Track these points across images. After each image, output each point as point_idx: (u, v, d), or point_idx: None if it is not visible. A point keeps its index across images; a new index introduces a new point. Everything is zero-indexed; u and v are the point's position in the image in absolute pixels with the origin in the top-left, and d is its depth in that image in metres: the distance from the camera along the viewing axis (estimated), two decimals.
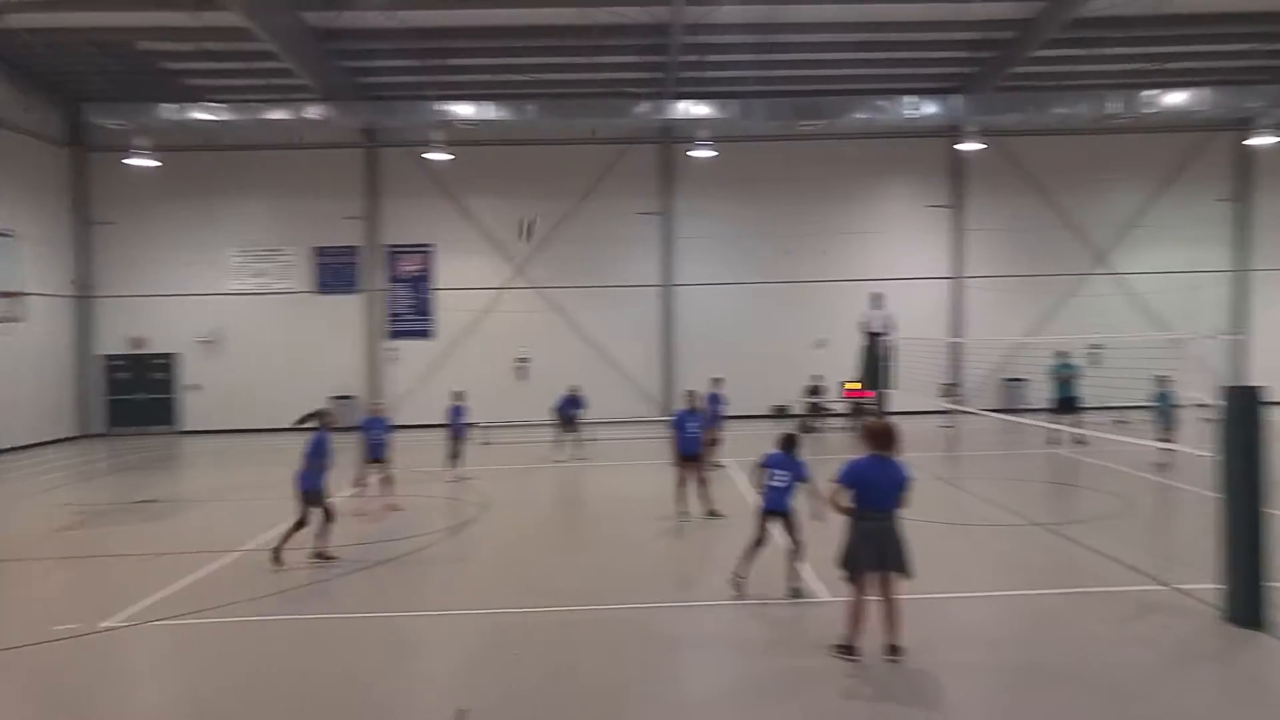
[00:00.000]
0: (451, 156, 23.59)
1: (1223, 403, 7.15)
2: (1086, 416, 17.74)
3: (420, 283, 25.48)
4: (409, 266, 25.44)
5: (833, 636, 6.70)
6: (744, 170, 24.97)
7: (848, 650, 6.53)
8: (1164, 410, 14.87)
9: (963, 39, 21.21)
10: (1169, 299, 24.74)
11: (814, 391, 22.32)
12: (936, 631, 7.12)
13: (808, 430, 19.36)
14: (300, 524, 9.67)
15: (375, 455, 12.91)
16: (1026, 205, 25.23)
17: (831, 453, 15.61)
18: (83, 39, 19.80)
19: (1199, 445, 8.15)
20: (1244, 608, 7.01)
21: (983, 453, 18.82)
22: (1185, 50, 21.68)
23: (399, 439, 14.78)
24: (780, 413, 23.65)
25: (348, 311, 25.30)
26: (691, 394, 13.13)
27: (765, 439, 9.05)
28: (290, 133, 23.46)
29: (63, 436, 23.58)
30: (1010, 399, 23.57)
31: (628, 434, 21.28)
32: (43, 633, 7.54)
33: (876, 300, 20.13)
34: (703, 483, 12.00)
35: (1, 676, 6.90)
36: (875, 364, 19.52)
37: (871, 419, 10.95)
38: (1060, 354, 18.62)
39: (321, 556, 9.75)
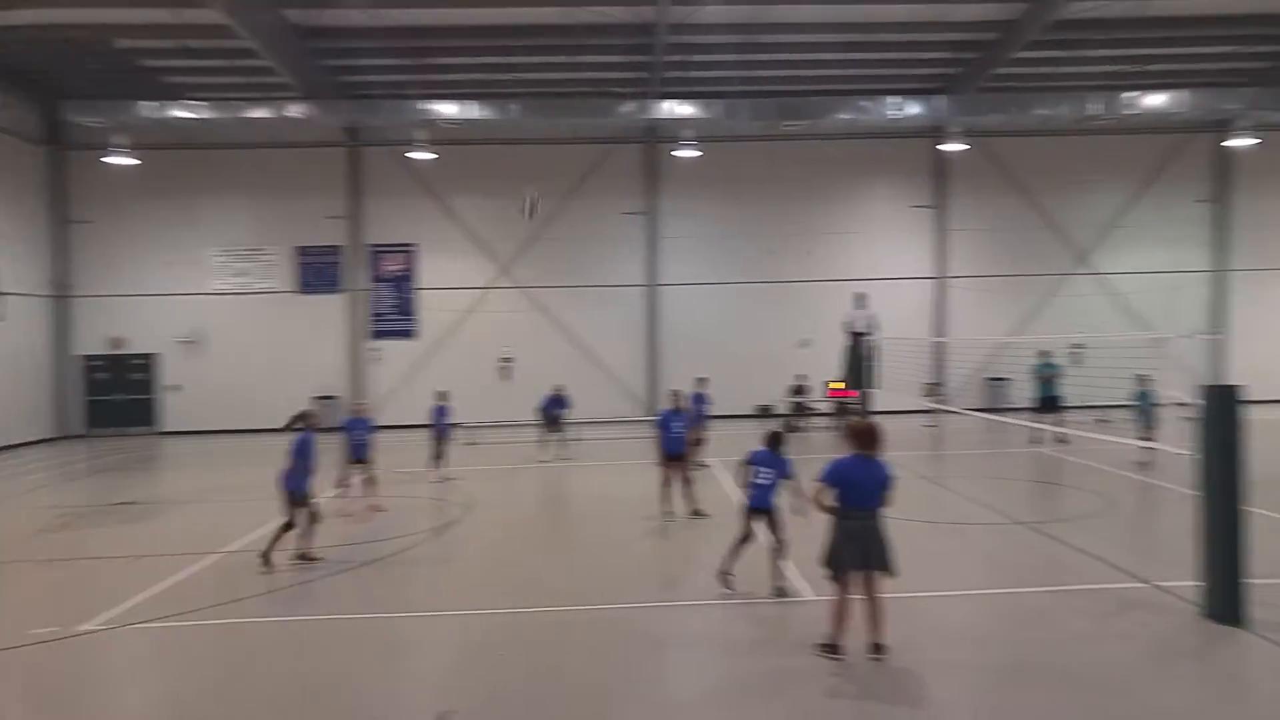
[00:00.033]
0: (435, 156, 23.49)
1: (1202, 402, 7.22)
2: (1068, 415, 17.87)
3: (403, 282, 25.36)
4: (392, 266, 25.32)
5: (817, 635, 6.72)
6: (728, 170, 25.00)
7: (832, 649, 6.54)
8: (1145, 409, 14.99)
9: (946, 40, 21.33)
10: (1149, 299, 24.97)
11: (798, 391, 22.39)
12: (920, 630, 7.15)
13: (792, 430, 19.39)
14: (288, 525, 9.60)
15: (358, 456, 12.84)
16: (1009, 205, 25.40)
17: (815, 452, 15.65)
18: (60, 35, 19.53)
19: (1179, 444, 8.21)
20: (1222, 604, 7.08)
21: (966, 452, 18.94)
22: (1165, 53, 21.89)
23: (382, 439, 14.72)
24: (765, 412, 23.69)
25: (330, 311, 25.15)
26: (676, 394, 13.14)
27: (750, 439, 9.06)
28: (272, 131, 23.29)
29: (40, 438, 23.30)
30: (993, 398, 23.70)
31: (612, 434, 21.27)
32: (19, 636, 7.44)
33: (860, 300, 20.21)
34: (687, 482, 12.01)
35: None
36: (859, 364, 19.59)
37: (855, 418, 10.99)
38: (1042, 353, 18.75)
39: (305, 558, 9.68)
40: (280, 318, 24.98)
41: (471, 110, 22.27)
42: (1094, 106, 22.10)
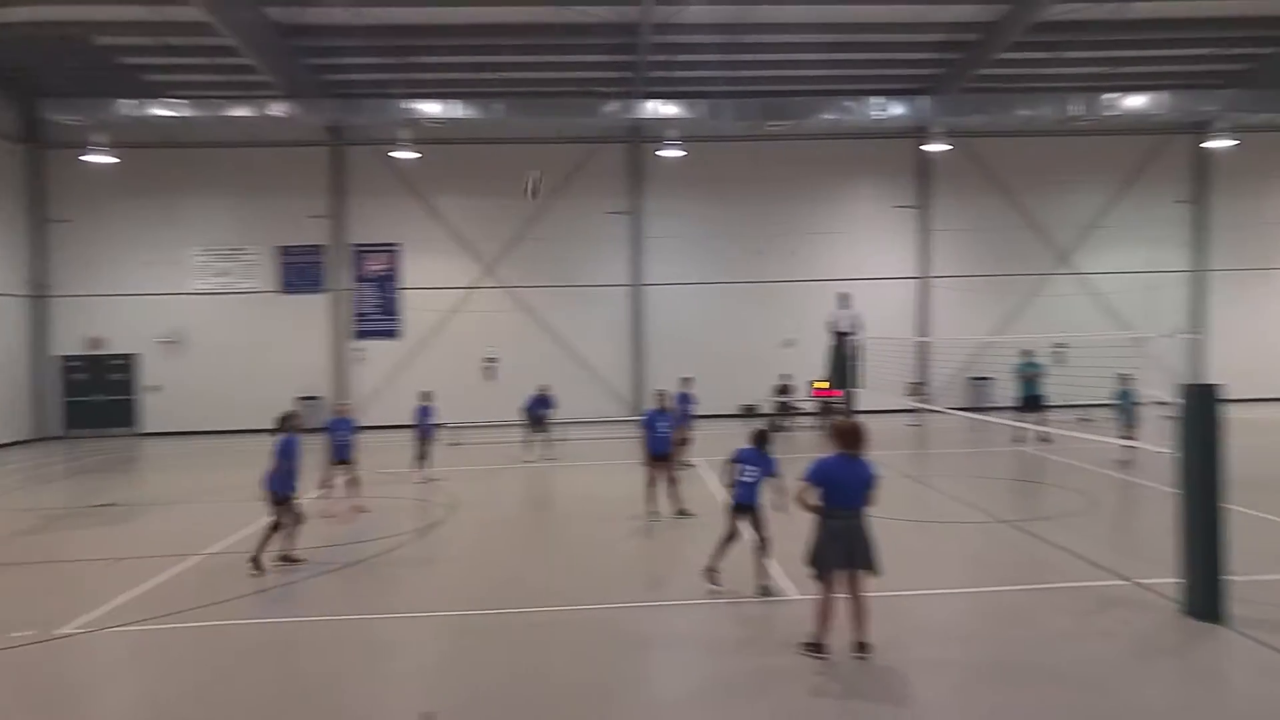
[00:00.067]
0: (419, 155, 23.38)
1: (1182, 401, 7.28)
2: (1051, 414, 17.98)
3: (387, 282, 25.24)
4: (375, 266, 25.19)
5: (801, 634, 6.72)
6: (713, 170, 25.03)
7: (816, 648, 6.55)
8: (1126, 408, 15.11)
9: (929, 40, 21.46)
10: (1130, 299, 25.20)
11: (783, 391, 22.44)
12: (904, 628, 7.17)
13: (777, 429, 19.43)
14: (275, 526, 9.52)
15: (341, 457, 12.74)
16: (991, 206, 25.56)
17: (800, 451, 15.68)
18: (38, 33, 19.34)
19: (1159, 442, 8.28)
20: (1202, 601, 7.14)
21: (949, 451, 19.03)
22: (1144, 55, 22.15)
23: (365, 440, 14.64)
24: (749, 412, 23.73)
25: (313, 311, 24.98)
26: (661, 393, 13.14)
27: (735, 438, 9.07)
28: (253, 130, 23.10)
29: (17, 440, 23.01)
30: (976, 397, 23.84)
31: (597, 434, 21.25)
32: None
33: (844, 300, 20.27)
34: (673, 482, 12.00)
35: None
36: (843, 363, 19.65)
37: (839, 418, 11.03)
38: (1025, 353, 18.87)
39: (287, 559, 9.62)
40: (262, 318, 24.80)
41: (455, 109, 22.19)
42: (1075, 107, 22.28)
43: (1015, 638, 7.09)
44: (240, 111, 21.92)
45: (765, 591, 8.11)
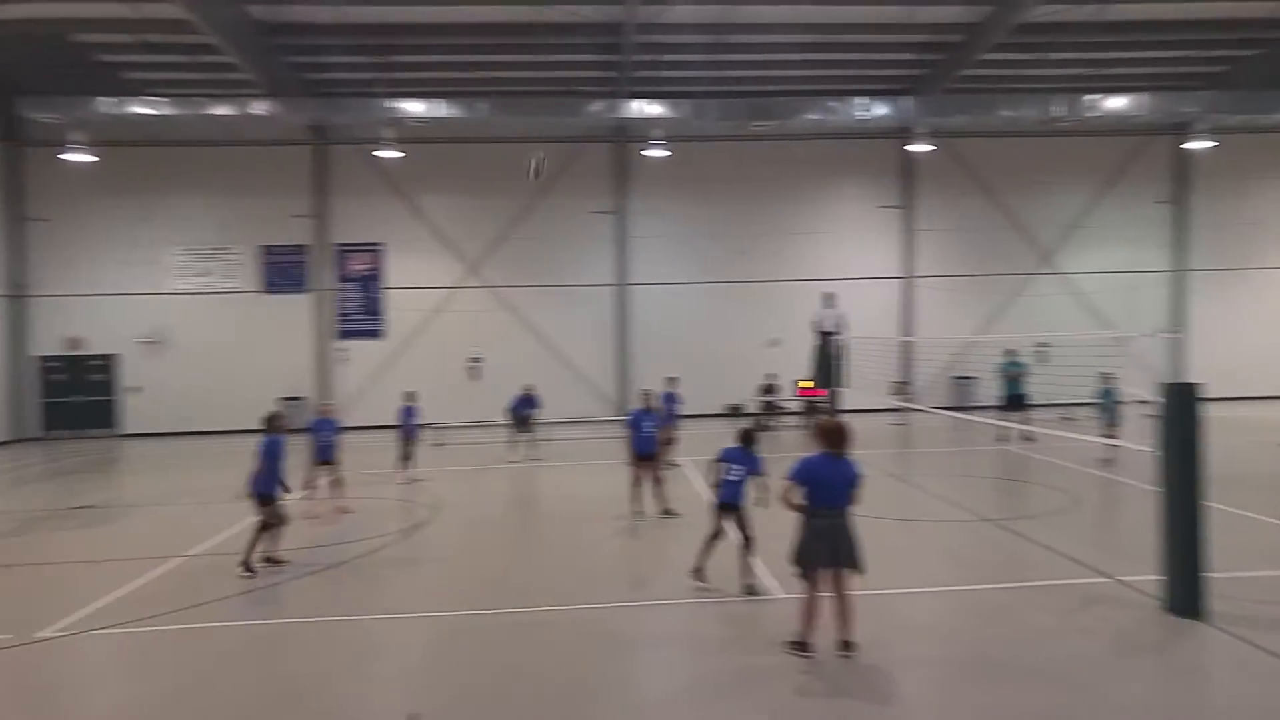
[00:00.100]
0: (402, 154, 23.27)
1: (1162, 399, 7.34)
2: (1034, 413, 18.10)
3: (370, 282, 25.11)
4: (359, 265, 25.06)
5: (786, 633, 6.74)
6: (698, 170, 25.04)
7: (801, 647, 6.56)
8: (1108, 407, 15.23)
9: (912, 41, 21.56)
10: (1111, 298, 25.42)
11: (768, 390, 22.49)
12: (889, 626, 7.20)
13: (762, 429, 19.47)
14: (264, 527, 9.44)
15: (325, 457, 12.66)
16: (975, 206, 25.70)
17: (785, 451, 15.71)
18: (15, 30, 19.12)
19: (1141, 441, 8.35)
20: (1183, 598, 7.20)
21: (933, 450, 19.13)
22: (1125, 56, 22.35)
23: (349, 440, 14.55)
24: (735, 411, 23.76)
25: (296, 311, 24.82)
26: (647, 393, 13.13)
27: (720, 438, 9.08)
28: (235, 129, 22.90)
29: None
30: (960, 396, 23.97)
31: (583, 434, 21.22)
32: None
33: (828, 300, 20.34)
34: (658, 482, 12.00)
35: None
36: (828, 363, 19.71)
37: (824, 417, 11.06)
38: (1008, 352, 18.99)
39: (271, 560, 9.55)
40: (245, 318, 24.62)
41: (439, 109, 22.08)
42: (1057, 108, 22.42)
43: (998, 635, 7.13)
44: (221, 110, 21.72)
45: (750, 590, 8.12)
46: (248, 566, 9.26)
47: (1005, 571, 9.01)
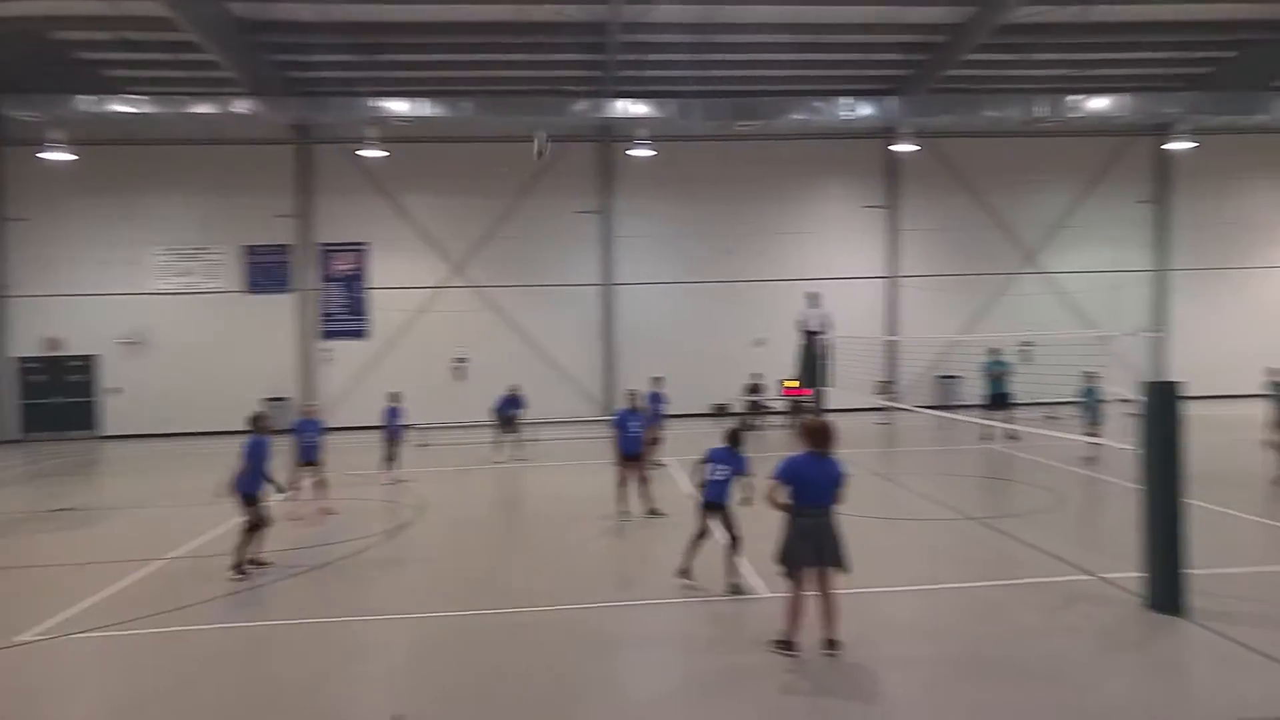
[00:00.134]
0: (386, 154, 23.16)
1: (1144, 398, 7.39)
2: (1018, 412, 18.21)
3: (355, 282, 24.98)
4: (343, 265, 24.91)
5: (772, 632, 6.74)
6: (683, 170, 25.05)
7: (787, 646, 6.57)
8: (1091, 405, 15.34)
9: (897, 41, 21.63)
10: (1094, 298, 25.61)
11: (753, 390, 22.53)
12: (873, 625, 7.22)
13: (747, 428, 19.51)
14: (251, 527, 9.36)
15: (308, 458, 12.60)
16: (959, 206, 25.83)
17: (770, 450, 15.74)
18: None
19: (1123, 439, 8.40)
20: (1164, 595, 7.26)
21: (918, 448, 19.21)
22: (1107, 57, 22.51)
23: (333, 441, 14.48)
24: (720, 411, 23.78)
25: (280, 311, 24.66)
26: (632, 393, 13.13)
27: (706, 438, 9.08)
28: (217, 127, 22.68)
29: None
30: (944, 396, 24.09)
31: (568, 434, 21.18)
32: None
33: (813, 299, 20.35)
34: (644, 482, 11.99)
35: None
36: (813, 362, 19.73)
37: (809, 417, 11.08)
38: (992, 351, 19.09)
39: (254, 562, 9.47)
40: (228, 318, 24.43)
41: (423, 108, 21.95)
42: (1040, 109, 22.54)
43: (983, 633, 7.16)
44: (203, 108, 21.50)
45: (736, 590, 8.13)
46: (238, 569, 9.19)
47: (989, 570, 9.06)
